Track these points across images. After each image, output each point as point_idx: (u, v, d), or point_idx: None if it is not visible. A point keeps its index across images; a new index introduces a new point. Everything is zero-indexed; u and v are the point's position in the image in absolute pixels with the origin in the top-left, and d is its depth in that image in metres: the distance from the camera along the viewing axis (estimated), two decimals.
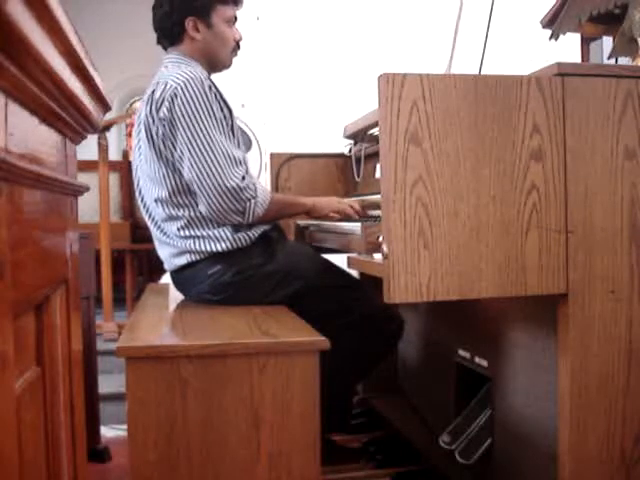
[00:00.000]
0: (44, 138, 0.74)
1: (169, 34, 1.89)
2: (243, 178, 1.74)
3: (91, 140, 1.67)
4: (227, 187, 1.71)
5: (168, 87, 1.73)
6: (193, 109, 1.71)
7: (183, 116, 1.71)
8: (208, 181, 1.72)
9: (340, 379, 1.85)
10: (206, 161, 1.71)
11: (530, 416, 1.45)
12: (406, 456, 1.90)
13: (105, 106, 0.92)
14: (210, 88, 1.75)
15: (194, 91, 1.71)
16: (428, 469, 1.81)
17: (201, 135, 1.71)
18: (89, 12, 6.06)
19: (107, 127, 3.34)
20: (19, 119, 0.62)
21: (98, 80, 0.82)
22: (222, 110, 1.78)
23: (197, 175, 1.72)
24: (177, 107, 1.71)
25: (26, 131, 0.65)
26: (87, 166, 3.68)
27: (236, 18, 1.95)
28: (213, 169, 1.71)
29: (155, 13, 1.90)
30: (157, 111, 1.74)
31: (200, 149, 1.71)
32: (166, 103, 1.72)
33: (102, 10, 6.43)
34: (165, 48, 1.93)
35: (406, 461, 1.88)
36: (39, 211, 0.70)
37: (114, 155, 5.82)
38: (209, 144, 1.71)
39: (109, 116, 2.57)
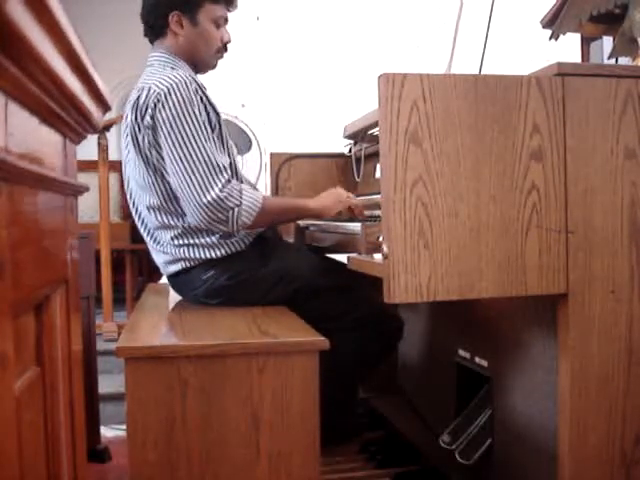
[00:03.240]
0: (44, 138, 0.74)
1: (153, 26, 1.86)
2: (224, 186, 1.67)
3: (91, 140, 1.66)
4: (205, 202, 1.65)
5: (152, 92, 1.69)
6: (175, 115, 1.66)
7: (164, 123, 1.67)
8: (188, 193, 1.67)
9: (340, 381, 1.85)
10: (186, 170, 1.66)
11: (530, 416, 1.45)
12: (406, 456, 1.90)
13: (105, 106, 0.92)
14: (197, 91, 1.70)
15: (177, 97, 1.67)
16: (428, 469, 1.81)
17: (182, 143, 1.66)
18: (89, 12, 6.06)
19: (107, 127, 3.34)
20: (19, 119, 0.62)
21: (98, 80, 0.81)
22: (209, 115, 1.73)
23: (179, 185, 1.68)
24: (159, 114, 1.67)
25: (26, 131, 0.65)
26: (87, 166, 3.68)
27: (226, 20, 1.90)
28: (192, 180, 1.66)
29: (144, 4, 1.87)
30: (142, 119, 1.71)
31: (181, 158, 1.67)
32: (149, 110, 1.68)
33: (102, 10, 6.43)
34: (151, 42, 1.90)
35: (406, 461, 1.88)
36: (39, 211, 0.70)
37: (114, 155, 5.81)
38: (190, 152, 1.66)
39: (109, 116, 2.57)
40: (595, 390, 1.27)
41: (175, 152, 1.67)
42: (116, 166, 4.41)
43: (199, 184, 1.66)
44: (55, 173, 0.78)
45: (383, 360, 1.97)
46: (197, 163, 1.66)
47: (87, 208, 4.03)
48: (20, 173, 0.59)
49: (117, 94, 7.00)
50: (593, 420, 1.27)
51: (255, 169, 3.21)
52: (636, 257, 1.28)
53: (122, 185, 4.45)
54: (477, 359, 1.68)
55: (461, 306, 1.65)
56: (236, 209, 1.68)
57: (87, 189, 0.97)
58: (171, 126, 1.67)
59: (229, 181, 1.69)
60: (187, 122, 1.67)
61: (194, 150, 1.67)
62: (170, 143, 1.67)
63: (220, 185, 1.67)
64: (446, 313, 1.93)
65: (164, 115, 1.67)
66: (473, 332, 1.73)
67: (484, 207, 1.22)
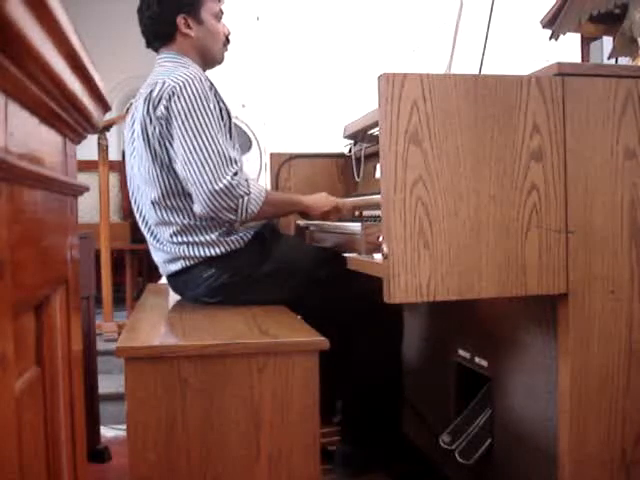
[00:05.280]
0: (44, 138, 0.74)
1: (160, 34, 1.88)
2: (235, 174, 1.72)
3: (91, 140, 1.66)
4: (217, 189, 1.69)
5: (166, 86, 1.72)
6: (190, 107, 1.70)
7: (179, 113, 1.70)
8: (200, 181, 1.70)
9: (363, 364, 1.84)
10: (199, 159, 1.70)
11: (530, 416, 1.45)
12: (406, 456, 1.90)
13: (105, 106, 0.92)
14: (210, 88, 1.75)
15: (192, 90, 1.70)
16: (428, 469, 1.81)
17: (196, 133, 1.70)
18: (89, 12, 6.06)
19: (107, 127, 3.34)
20: (19, 119, 0.62)
21: (98, 80, 0.81)
22: (221, 111, 1.77)
23: (190, 174, 1.71)
24: (174, 105, 1.70)
25: (26, 131, 0.65)
26: (87, 166, 3.68)
27: (222, 12, 1.95)
28: (205, 168, 1.69)
29: (142, 15, 1.89)
30: (154, 110, 1.73)
31: (194, 147, 1.70)
32: (163, 102, 1.71)
33: (102, 10, 6.43)
34: (156, 50, 1.92)
35: (406, 461, 1.87)
36: (39, 211, 0.70)
37: (114, 155, 5.82)
38: (203, 142, 1.70)
39: (109, 116, 2.57)
40: (595, 390, 1.27)
41: (189, 142, 1.70)
42: (116, 166, 4.42)
43: (212, 172, 1.70)
44: (55, 173, 0.78)
45: (394, 359, 1.94)
46: (210, 153, 1.70)
47: (87, 208, 4.03)
48: (20, 173, 0.59)
49: (117, 94, 7.00)
50: (593, 420, 1.27)
51: (255, 169, 3.21)
52: (636, 257, 1.28)
53: (122, 185, 4.45)
54: (477, 359, 1.68)
55: (461, 306, 1.65)
56: (246, 197, 1.72)
57: (87, 189, 0.97)
58: (186, 117, 1.70)
59: (237, 173, 1.73)
60: (202, 114, 1.71)
61: (207, 141, 1.70)
62: (184, 133, 1.70)
63: (231, 173, 1.71)
64: (446, 313, 1.92)
65: (179, 106, 1.70)
66: (473, 332, 1.73)
67: (484, 207, 1.22)
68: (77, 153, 0.96)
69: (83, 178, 1.03)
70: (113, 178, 4.28)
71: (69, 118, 0.80)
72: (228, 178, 1.70)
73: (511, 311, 1.54)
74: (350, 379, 1.85)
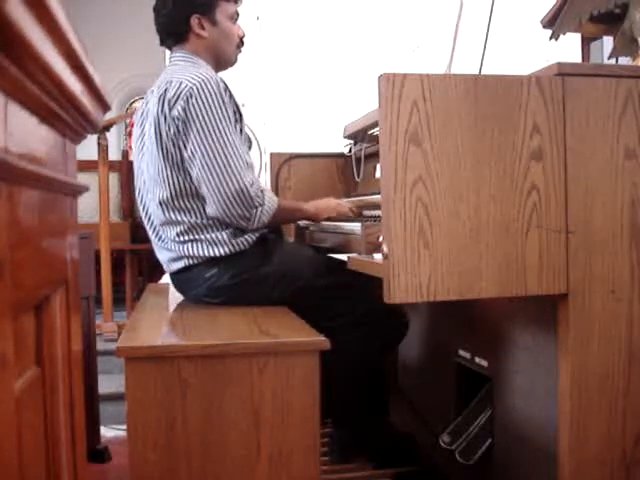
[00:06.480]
0: (44, 138, 0.74)
1: (174, 33, 1.89)
2: (252, 184, 1.74)
3: (91, 140, 1.66)
4: (237, 189, 1.71)
5: (184, 86, 1.72)
6: (209, 109, 1.71)
7: (198, 116, 1.71)
8: (219, 182, 1.71)
9: (347, 379, 1.84)
10: (218, 162, 1.71)
11: (530, 416, 1.45)
12: (406, 456, 1.90)
13: (105, 106, 0.92)
14: (225, 90, 1.75)
15: (210, 92, 1.71)
16: (428, 469, 1.81)
17: (215, 136, 1.71)
18: (89, 12, 6.06)
19: (107, 127, 3.34)
20: (19, 119, 0.62)
21: (98, 80, 0.81)
22: (234, 113, 1.78)
23: (208, 176, 1.72)
24: (192, 107, 1.71)
25: (26, 131, 0.65)
26: (87, 166, 3.68)
27: (238, 14, 1.96)
28: (225, 170, 1.71)
29: (158, 13, 1.90)
30: (170, 110, 1.73)
31: (214, 150, 1.71)
32: (181, 102, 1.71)
33: (102, 10, 6.43)
34: (170, 48, 1.93)
35: (406, 461, 1.88)
36: (39, 211, 0.70)
37: (114, 155, 5.83)
38: (223, 146, 1.71)
39: (109, 116, 2.57)
40: (595, 390, 1.27)
41: (208, 144, 1.71)
42: (116, 166, 4.42)
43: (230, 175, 1.72)
44: (55, 173, 0.78)
45: (383, 359, 1.96)
46: (229, 156, 1.72)
47: (87, 208, 4.03)
48: (20, 173, 0.59)
49: (117, 94, 7.01)
50: (593, 420, 1.27)
51: (255, 169, 3.21)
52: (636, 257, 1.28)
53: (122, 185, 4.45)
54: (477, 359, 1.68)
55: (461, 306, 1.65)
56: (260, 208, 1.75)
57: (87, 189, 0.96)
58: (205, 118, 1.71)
59: (254, 183, 1.76)
60: (220, 117, 1.72)
61: (227, 144, 1.73)
62: (203, 135, 1.71)
63: (250, 181, 1.75)
64: (446, 313, 1.92)
65: (197, 108, 1.71)
66: (473, 332, 1.73)
67: (484, 207, 1.22)
68: (77, 153, 0.96)
69: (83, 178, 1.03)
70: (113, 178, 4.28)
71: (69, 118, 0.80)
72: (247, 185, 1.73)
73: (511, 311, 1.54)
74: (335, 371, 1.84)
